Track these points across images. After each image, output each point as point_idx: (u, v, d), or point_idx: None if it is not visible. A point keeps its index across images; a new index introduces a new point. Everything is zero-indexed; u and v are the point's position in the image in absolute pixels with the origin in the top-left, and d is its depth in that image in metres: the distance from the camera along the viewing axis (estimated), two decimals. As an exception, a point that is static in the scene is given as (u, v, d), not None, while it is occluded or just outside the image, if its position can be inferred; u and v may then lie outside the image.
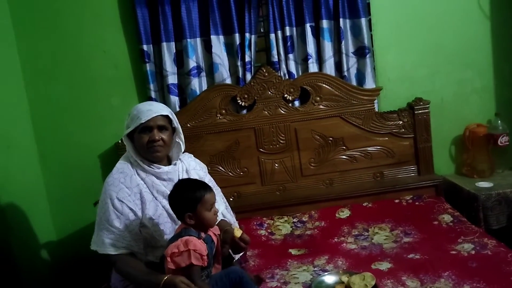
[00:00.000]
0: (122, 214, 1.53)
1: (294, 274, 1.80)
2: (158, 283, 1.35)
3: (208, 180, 1.77)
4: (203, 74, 2.40)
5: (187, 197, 1.44)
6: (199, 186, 1.49)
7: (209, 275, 1.46)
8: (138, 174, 1.62)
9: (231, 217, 1.85)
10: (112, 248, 1.51)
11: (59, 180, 2.47)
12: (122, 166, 1.63)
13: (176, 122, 1.67)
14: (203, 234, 1.45)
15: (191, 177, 1.66)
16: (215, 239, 1.51)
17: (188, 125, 2.34)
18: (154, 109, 1.61)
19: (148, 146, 1.59)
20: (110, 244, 1.51)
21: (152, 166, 1.63)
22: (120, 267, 1.50)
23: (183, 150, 1.73)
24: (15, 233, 2.14)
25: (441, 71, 2.46)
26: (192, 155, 1.85)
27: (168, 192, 1.54)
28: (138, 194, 1.58)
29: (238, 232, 1.55)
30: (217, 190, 1.77)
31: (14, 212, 2.16)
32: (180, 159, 1.73)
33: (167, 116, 1.63)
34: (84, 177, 2.45)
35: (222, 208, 1.80)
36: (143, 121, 1.56)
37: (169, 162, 1.71)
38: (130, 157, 1.65)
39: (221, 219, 1.74)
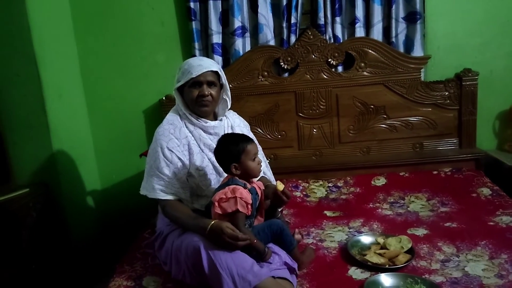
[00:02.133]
0: (171, 162, 1.60)
1: (329, 233, 1.85)
2: (205, 227, 1.43)
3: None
4: (248, 34, 2.40)
5: (231, 149, 1.51)
6: (241, 138, 1.55)
7: (252, 225, 1.53)
8: (186, 127, 1.68)
9: (270, 175, 1.90)
10: (162, 193, 1.59)
11: (105, 132, 2.58)
12: (172, 118, 1.70)
13: (224, 79, 1.71)
14: (248, 185, 1.52)
15: (235, 133, 1.71)
16: (259, 192, 1.57)
17: (230, 85, 2.30)
18: (205, 64, 1.64)
19: (197, 101, 1.64)
20: (160, 190, 1.59)
21: (200, 120, 1.68)
22: (169, 211, 1.58)
23: (229, 107, 1.78)
24: (64, 178, 2.27)
25: (493, 42, 2.37)
26: (236, 113, 1.89)
27: (214, 146, 1.60)
28: (186, 145, 1.65)
29: (280, 186, 1.59)
30: (258, 147, 1.81)
31: (63, 158, 2.29)
32: (225, 116, 1.78)
33: (216, 72, 1.66)
34: (129, 130, 2.56)
35: (263, 166, 1.84)
36: (194, 76, 1.61)
37: (215, 118, 1.76)
38: (179, 110, 1.70)
39: (261, 176, 1.80)
